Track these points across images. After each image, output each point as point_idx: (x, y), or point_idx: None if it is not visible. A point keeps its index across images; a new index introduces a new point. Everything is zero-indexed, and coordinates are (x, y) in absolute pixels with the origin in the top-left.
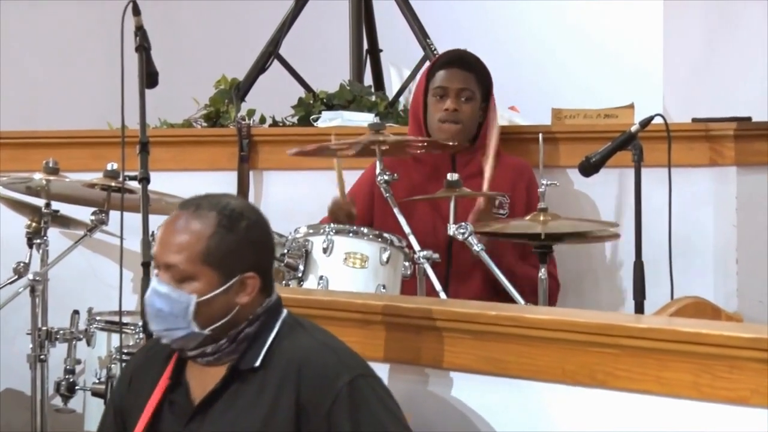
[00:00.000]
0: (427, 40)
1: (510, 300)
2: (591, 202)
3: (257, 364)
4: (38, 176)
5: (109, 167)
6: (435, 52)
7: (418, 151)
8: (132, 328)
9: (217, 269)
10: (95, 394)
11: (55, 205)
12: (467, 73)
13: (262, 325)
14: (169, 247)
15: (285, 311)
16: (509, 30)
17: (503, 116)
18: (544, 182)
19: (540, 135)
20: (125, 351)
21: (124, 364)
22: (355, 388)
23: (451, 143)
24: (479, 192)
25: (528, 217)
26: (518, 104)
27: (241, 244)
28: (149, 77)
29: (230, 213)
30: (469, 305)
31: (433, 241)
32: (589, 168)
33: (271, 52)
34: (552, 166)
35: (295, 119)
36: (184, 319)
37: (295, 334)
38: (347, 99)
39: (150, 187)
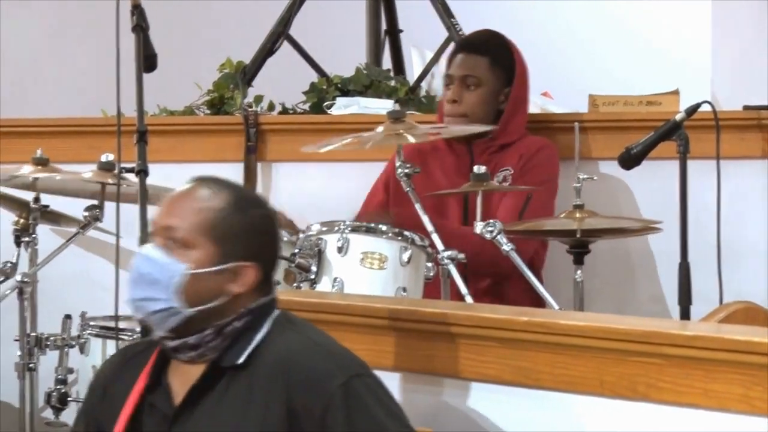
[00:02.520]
0: (452, 20)
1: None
2: (631, 198)
3: (240, 361)
4: (26, 169)
5: (103, 158)
6: (460, 32)
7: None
8: (129, 334)
9: (217, 246)
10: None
11: (45, 200)
12: (478, 57)
13: (250, 322)
14: (172, 210)
15: (278, 310)
16: (544, 15)
17: (535, 103)
18: (581, 176)
19: (576, 124)
20: None
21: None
22: (350, 389)
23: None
24: (506, 186)
25: (563, 214)
26: (553, 91)
27: (248, 229)
28: (147, 60)
29: (245, 196)
30: (498, 310)
31: None
32: (629, 160)
33: (280, 33)
34: (588, 157)
35: (306, 106)
36: (167, 289)
37: (286, 332)
38: (364, 84)
39: (148, 180)
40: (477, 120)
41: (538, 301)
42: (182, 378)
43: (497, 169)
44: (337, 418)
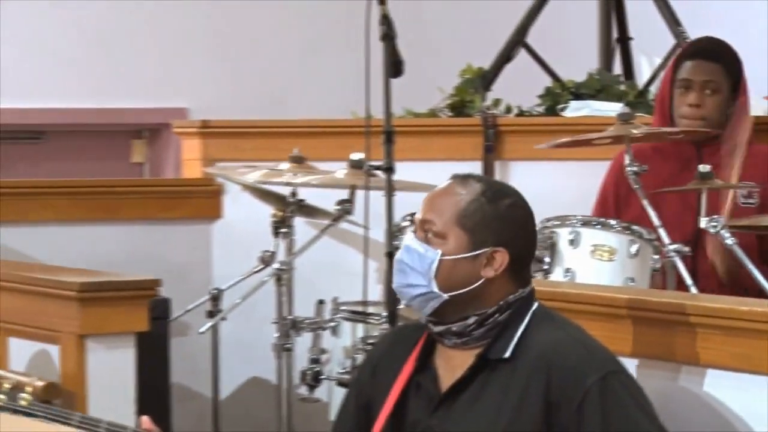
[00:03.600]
0: (679, 28)
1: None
2: None
3: (507, 354)
4: (284, 166)
5: (354, 157)
6: (686, 40)
7: (664, 142)
8: (377, 318)
9: (469, 234)
10: (341, 384)
11: (301, 195)
12: (714, 64)
13: (512, 315)
14: (429, 206)
15: (536, 303)
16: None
17: (759, 107)
18: None
19: None
20: (370, 341)
21: (366, 352)
22: (607, 384)
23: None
24: (731, 184)
25: None
26: None
27: (498, 217)
28: (394, 66)
29: (497, 188)
30: (719, 300)
31: (680, 234)
32: None
33: (517, 41)
34: None
35: (541, 109)
36: (425, 276)
37: (546, 326)
38: (595, 88)
39: (394, 176)
40: (713, 124)
41: None
42: (448, 363)
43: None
44: (592, 413)
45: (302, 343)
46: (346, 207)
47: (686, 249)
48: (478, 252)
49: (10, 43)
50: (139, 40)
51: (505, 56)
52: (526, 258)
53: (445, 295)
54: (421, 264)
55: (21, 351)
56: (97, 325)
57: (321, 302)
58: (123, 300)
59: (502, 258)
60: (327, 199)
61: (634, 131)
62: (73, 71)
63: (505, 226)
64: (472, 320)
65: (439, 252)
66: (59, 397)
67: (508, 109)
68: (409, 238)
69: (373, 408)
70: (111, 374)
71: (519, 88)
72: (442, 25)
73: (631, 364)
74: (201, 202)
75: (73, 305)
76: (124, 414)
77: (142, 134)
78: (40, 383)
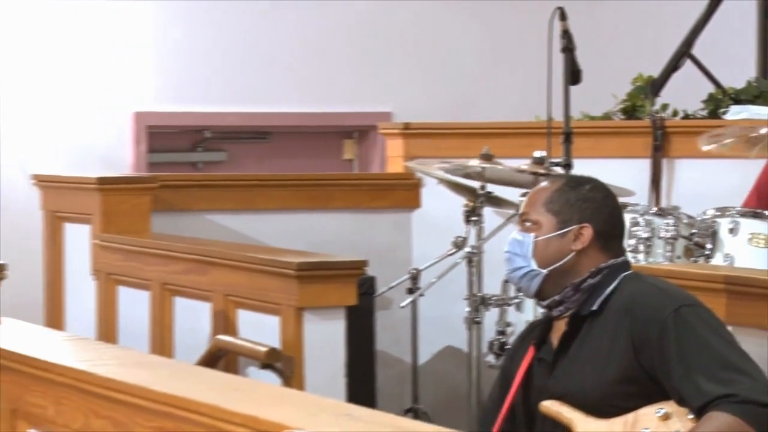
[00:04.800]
0: None
1: None
2: None
3: (594, 307)
4: (475, 162)
5: (536, 154)
6: None
7: None
8: None
9: (556, 216)
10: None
11: (489, 187)
12: None
13: (603, 278)
14: (528, 202)
15: (630, 271)
16: None
17: None
18: None
19: None
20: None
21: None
22: (680, 315)
23: None
24: None
25: None
26: None
27: (580, 198)
28: (573, 75)
29: (578, 179)
30: None
31: None
32: None
33: (684, 52)
34: None
35: (704, 112)
36: (525, 257)
37: (632, 283)
38: (753, 94)
39: (571, 172)
40: None
41: None
42: (557, 333)
43: None
44: (669, 341)
45: (490, 317)
46: None
47: None
48: (565, 230)
49: (239, 53)
50: (351, 52)
51: (673, 66)
52: (611, 231)
53: (544, 270)
54: (521, 249)
55: (247, 321)
56: (313, 299)
57: (506, 281)
58: (335, 278)
59: (587, 233)
60: (512, 192)
61: None
62: (294, 79)
63: (587, 205)
64: (568, 288)
65: (532, 235)
66: (280, 360)
67: (675, 113)
68: (513, 232)
69: (510, 385)
70: (324, 342)
71: (684, 93)
72: (616, 38)
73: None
74: (402, 193)
75: (292, 282)
76: (335, 376)
77: (352, 135)
78: (263, 349)
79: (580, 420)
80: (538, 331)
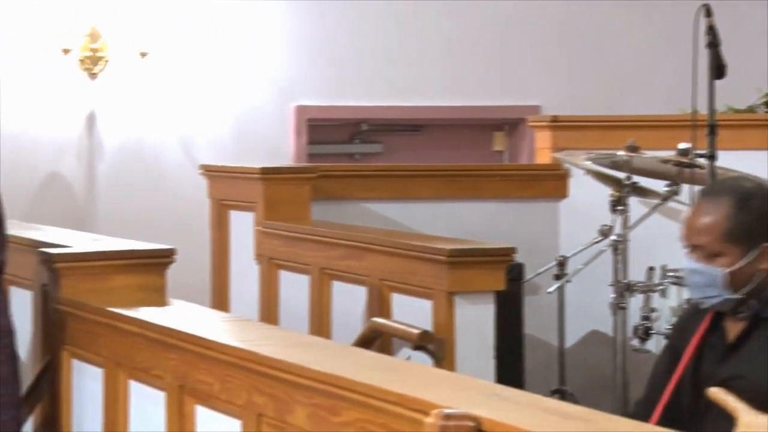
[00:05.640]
0: None
1: None
2: None
3: None
4: (621, 153)
5: (681, 146)
6: None
7: None
8: None
9: (739, 245)
10: (667, 338)
11: (635, 178)
12: None
13: None
14: (694, 230)
15: None
16: None
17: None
18: None
19: None
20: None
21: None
22: None
23: None
24: None
25: None
26: None
27: (754, 220)
28: (718, 69)
29: (741, 195)
30: None
31: None
32: None
33: None
34: None
35: None
36: (716, 288)
37: None
38: None
39: (716, 163)
40: None
41: None
42: (733, 325)
43: None
44: None
45: (635, 302)
46: (674, 188)
47: None
48: (750, 255)
49: (394, 51)
50: (501, 49)
51: None
52: None
53: (738, 295)
54: (709, 280)
55: (401, 304)
56: (463, 284)
57: (651, 268)
58: (485, 264)
59: None
60: (657, 182)
61: None
62: (446, 75)
63: (761, 224)
64: (754, 300)
65: (720, 269)
66: (432, 342)
67: None
68: (689, 262)
69: (679, 360)
70: (474, 325)
71: None
72: (760, 33)
73: None
74: (550, 183)
75: (443, 267)
76: (485, 357)
77: (502, 127)
78: (416, 331)
79: (745, 411)
80: (706, 311)
